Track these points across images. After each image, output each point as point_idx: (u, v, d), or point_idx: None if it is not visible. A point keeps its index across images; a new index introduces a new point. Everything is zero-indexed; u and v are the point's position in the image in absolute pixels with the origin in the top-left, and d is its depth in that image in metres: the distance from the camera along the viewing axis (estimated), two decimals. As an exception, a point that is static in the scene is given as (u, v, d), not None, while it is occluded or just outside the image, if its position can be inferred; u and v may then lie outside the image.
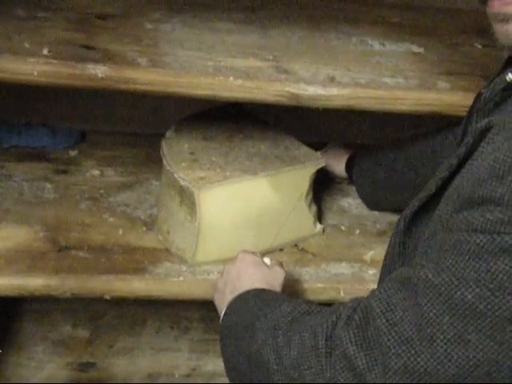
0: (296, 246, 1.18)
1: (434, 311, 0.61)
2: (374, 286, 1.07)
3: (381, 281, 0.87)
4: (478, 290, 0.59)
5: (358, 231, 1.24)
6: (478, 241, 0.60)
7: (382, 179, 1.23)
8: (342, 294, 1.09)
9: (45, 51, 0.91)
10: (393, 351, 0.62)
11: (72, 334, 1.49)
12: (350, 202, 1.32)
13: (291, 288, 1.07)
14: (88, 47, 0.95)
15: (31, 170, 1.29)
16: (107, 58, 0.93)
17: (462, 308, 0.59)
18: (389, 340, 0.62)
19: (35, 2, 1.07)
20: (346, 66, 1.03)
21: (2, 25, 0.98)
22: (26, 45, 0.93)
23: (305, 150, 1.17)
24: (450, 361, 0.60)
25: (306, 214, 1.17)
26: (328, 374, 0.66)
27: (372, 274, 1.13)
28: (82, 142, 1.41)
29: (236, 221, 1.09)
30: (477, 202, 0.62)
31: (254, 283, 0.89)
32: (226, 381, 1.39)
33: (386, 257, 0.85)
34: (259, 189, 1.09)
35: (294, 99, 0.95)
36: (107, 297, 1.04)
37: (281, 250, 1.16)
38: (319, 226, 1.21)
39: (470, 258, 0.60)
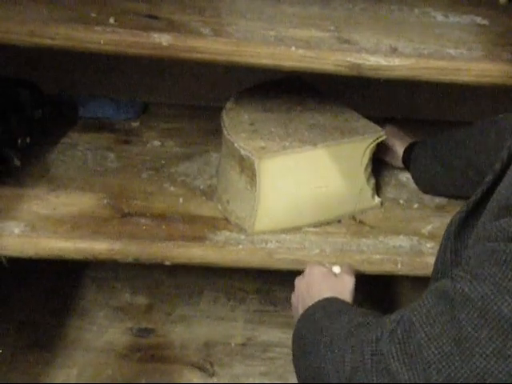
0: (354, 218, 1.18)
1: (472, 326, 0.60)
2: (432, 259, 1.06)
3: (431, 283, 0.87)
4: None
5: (416, 205, 1.24)
6: None
7: (440, 176, 1.19)
8: (399, 266, 1.09)
9: (111, 20, 0.93)
10: (433, 366, 0.62)
11: (131, 301, 1.53)
12: (408, 177, 1.30)
13: (350, 259, 1.08)
14: (152, 17, 0.97)
15: (95, 139, 1.33)
16: (171, 27, 0.94)
17: (500, 322, 0.58)
18: (429, 355, 0.62)
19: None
20: (408, 37, 1.02)
21: (69, -5, 1.01)
22: (93, 14, 0.95)
23: (364, 122, 1.17)
24: (490, 376, 0.59)
25: (365, 187, 1.17)
26: None
27: (430, 247, 1.12)
28: (144, 113, 1.44)
29: (295, 191, 1.10)
30: None
31: (322, 296, 0.90)
32: (280, 351, 1.43)
33: (437, 258, 0.85)
34: (318, 160, 1.09)
35: (355, 69, 0.95)
36: (167, 262, 1.07)
37: (339, 221, 1.17)
38: (377, 199, 1.21)
39: (506, 268, 0.59)
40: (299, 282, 0.99)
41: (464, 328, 0.60)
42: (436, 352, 0.62)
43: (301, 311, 0.90)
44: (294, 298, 0.99)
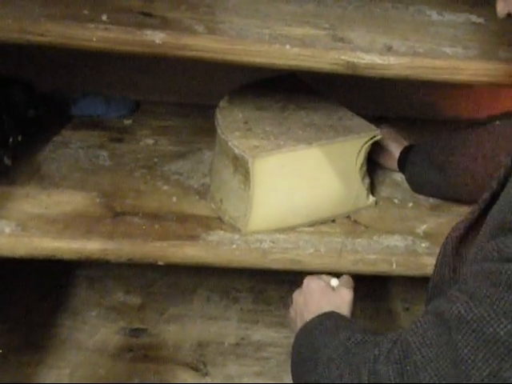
0: (348, 217, 1.17)
1: (469, 348, 0.59)
2: (427, 259, 1.08)
3: (428, 298, 0.87)
4: (509, 325, 0.57)
5: (410, 204, 1.23)
6: (510, 271, 0.58)
7: (435, 181, 1.19)
8: (394, 266, 1.08)
9: (104, 17, 0.92)
10: None
11: (124, 301, 1.52)
12: (403, 176, 1.31)
13: (344, 258, 1.07)
14: (146, 14, 0.96)
15: (87, 137, 1.32)
16: (165, 25, 0.93)
17: (496, 345, 0.58)
18: (425, 377, 0.62)
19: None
20: (403, 36, 1.01)
21: (61, -8, 1.00)
22: (85, 11, 0.94)
23: (359, 121, 1.16)
24: None
25: (360, 186, 1.16)
26: None
27: (425, 246, 1.12)
28: (136, 111, 1.43)
29: (289, 190, 1.09)
30: (509, 228, 0.60)
31: (321, 310, 0.89)
32: (273, 351, 1.42)
33: (434, 272, 0.85)
34: (313, 159, 1.09)
35: (350, 68, 0.94)
36: (161, 263, 1.06)
37: (333, 221, 1.16)
38: (372, 199, 1.20)
39: (502, 289, 0.59)
40: (297, 295, 0.97)
41: (460, 350, 0.60)
42: (432, 374, 0.61)
43: (299, 325, 0.89)
44: (292, 311, 0.98)
